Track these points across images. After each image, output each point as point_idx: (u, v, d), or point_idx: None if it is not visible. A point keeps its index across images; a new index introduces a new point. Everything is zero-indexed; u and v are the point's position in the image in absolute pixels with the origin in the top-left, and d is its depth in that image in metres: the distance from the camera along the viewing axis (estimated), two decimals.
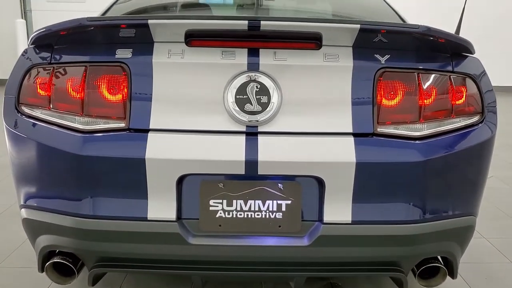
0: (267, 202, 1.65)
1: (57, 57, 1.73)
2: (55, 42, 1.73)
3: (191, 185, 1.64)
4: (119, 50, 1.67)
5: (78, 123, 1.67)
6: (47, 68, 1.73)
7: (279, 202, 1.65)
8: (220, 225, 1.66)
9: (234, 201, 1.65)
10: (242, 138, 1.62)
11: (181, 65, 1.65)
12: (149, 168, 1.60)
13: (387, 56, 1.68)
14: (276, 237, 1.66)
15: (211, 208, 1.65)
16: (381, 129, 1.66)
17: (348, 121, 1.65)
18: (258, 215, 1.65)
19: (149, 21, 1.58)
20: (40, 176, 1.72)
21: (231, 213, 1.65)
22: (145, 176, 1.61)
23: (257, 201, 1.65)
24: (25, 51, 1.80)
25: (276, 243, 1.66)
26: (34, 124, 1.72)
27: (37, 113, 1.73)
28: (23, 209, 1.79)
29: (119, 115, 1.66)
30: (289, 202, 1.65)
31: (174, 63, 1.65)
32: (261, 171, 1.60)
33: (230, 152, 1.59)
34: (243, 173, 1.60)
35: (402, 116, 1.68)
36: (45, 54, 1.74)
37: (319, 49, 1.66)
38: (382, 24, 1.66)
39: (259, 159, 1.59)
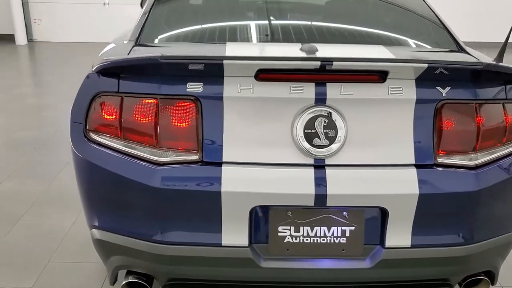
0: (332, 228, 1.76)
1: (126, 86, 1.76)
2: (122, 72, 1.77)
3: (262, 213, 1.73)
4: (190, 83, 1.72)
5: (152, 154, 1.74)
6: (115, 97, 1.77)
7: (343, 228, 1.76)
8: (287, 249, 1.77)
9: (301, 228, 1.75)
10: (311, 171, 1.70)
11: (251, 100, 1.71)
12: (224, 200, 1.69)
13: (448, 88, 1.74)
14: (340, 260, 1.78)
15: (279, 234, 1.75)
16: (440, 160, 1.75)
17: (410, 152, 1.73)
18: (323, 240, 1.76)
19: (224, 62, 1.62)
20: (114, 203, 1.81)
21: (298, 238, 1.76)
22: (220, 207, 1.70)
23: (322, 228, 1.75)
24: (89, 77, 1.84)
25: (340, 265, 1.78)
26: (104, 152, 1.78)
27: (108, 141, 1.78)
28: (94, 230, 1.88)
29: (192, 148, 1.72)
30: (352, 228, 1.76)
31: (244, 97, 1.70)
32: (329, 203, 1.70)
33: (301, 186, 1.68)
34: (312, 205, 1.70)
35: (461, 146, 1.77)
36: (111, 82, 1.78)
37: (384, 82, 1.71)
38: (449, 63, 1.71)
39: (328, 193, 1.68)
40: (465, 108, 1.76)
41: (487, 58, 2.03)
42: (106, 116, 1.79)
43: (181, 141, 1.73)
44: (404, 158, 1.73)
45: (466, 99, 1.76)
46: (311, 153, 1.70)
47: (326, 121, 1.70)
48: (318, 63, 1.61)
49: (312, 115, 1.70)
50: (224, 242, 1.74)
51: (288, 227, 1.75)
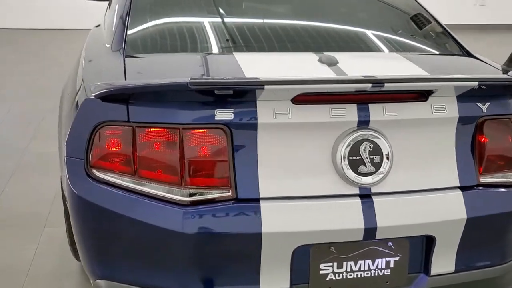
0: (377, 260, 1.62)
1: (138, 114, 1.49)
2: (133, 98, 1.49)
3: (303, 252, 1.55)
4: (218, 110, 1.48)
5: (176, 194, 1.49)
6: (124, 127, 1.49)
7: (387, 259, 1.62)
8: (329, 287, 1.61)
9: (345, 263, 1.59)
10: (358, 202, 1.54)
11: (288, 126, 1.50)
12: (265, 242, 1.48)
13: (487, 104, 1.64)
14: None
15: (321, 272, 1.59)
16: (483, 179, 1.66)
17: (454, 174, 1.62)
18: (367, 274, 1.62)
19: (266, 87, 1.39)
20: (126, 250, 1.55)
21: (341, 275, 1.60)
22: (260, 250, 1.49)
23: (367, 261, 1.61)
24: (87, 103, 1.54)
25: None
26: (112, 192, 1.50)
27: (116, 179, 1.51)
28: (101, 281, 1.61)
29: (223, 183, 1.49)
30: (397, 258, 1.63)
31: (281, 123, 1.50)
32: (378, 236, 1.55)
33: (349, 221, 1.52)
34: (361, 239, 1.55)
35: (501, 164, 1.68)
36: (118, 110, 1.50)
37: (426, 100, 1.58)
38: (498, 79, 1.60)
39: (377, 226, 1.53)
40: (505, 123, 1.67)
41: (500, 65, 1.97)
42: (113, 150, 1.51)
43: (210, 176, 1.49)
44: (449, 180, 1.62)
45: (505, 114, 1.67)
46: (357, 182, 1.53)
47: (371, 145, 1.54)
48: (369, 85, 1.44)
49: (356, 140, 1.53)
50: (263, 285, 1.54)
51: (331, 264, 1.59)
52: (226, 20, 2.17)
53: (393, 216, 1.55)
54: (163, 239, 1.49)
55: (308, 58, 1.85)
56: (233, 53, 1.87)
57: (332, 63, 1.76)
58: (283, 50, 1.98)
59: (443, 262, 1.65)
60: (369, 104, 1.54)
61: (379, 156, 1.54)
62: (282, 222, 1.49)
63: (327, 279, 1.59)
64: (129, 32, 1.97)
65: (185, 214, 1.47)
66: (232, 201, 1.49)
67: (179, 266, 1.52)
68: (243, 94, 1.47)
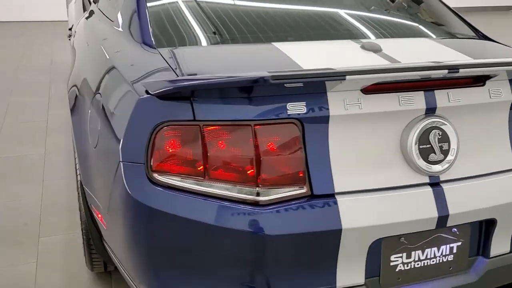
0: (442, 247, 1.61)
1: (205, 112, 1.39)
2: (197, 94, 1.38)
3: (376, 245, 1.51)
4: (290, 104, 1.40)
5: (251, 194, 1.40)
6: (191, 127, 1.38)
7: (451, 245, 1.62)
8: (399, 278, 1.58)
9: (413, 253, 1.58)
10: (429, 191, 1.52)
11: (359, 117, 1.45)
12: (344, 238, 1.43)
13: None
14: (447, 279, 1.65)
15: (391, 264, 1.56)
16: None
17: (510, 156, 1.64)
18: (432, 261, 1.61)
19: (347, 77, 1.33)
20: (198, 258, 1.44)
21: (409, 264, 1.58)
22: (338, 246, 1.44)
23: (433, 249, 1.60)
24: (142, 102, 1.41)
25: (448, 284, 1.65)
26: (181, 198, 1.39)
27: (184, 183, 1.40)
28: None
29: (299, 180, 1.42)
30: (459, 243, 1.63)
31: (352, 114, 1.44)
32: (450, 223, 1.54)
33: (423, 210, 1.50)
34: (434, 228, 1.53)
35: None
36: (182, 109, 1.39)
37: (484, 85, 1.58)
38: None
39: (449, 213, 1.52)
40: None
41: None
42: (178, 152, 1.39)
43: (285, 173, 1.42)
44: (507, 163, 1.63)
45: None
46: (427, 171, 1.51)
47: (440, 133, 1.52)
48: (445, 71, 1.41)
49: (426, 128, 1.50)
50: (339, 284, 1.49)
51: (401, 255, 1.56)
52: (255, 7, 2.07)
53: (463, 203, 1.54)
54: (237, 242, 1.40)
55: (349, 46, 1.80)
56: (272, 43, 1.78)
57: (376, 50, 1.72)
58: (319, 38, 1.92)
59: (500, 243, 1.67)
60: (435, 91, 1.52)
61: (447, 143, 1.53)
62: (360, 216, 1.44)
63: (397, 270, 1.57)
64: (153, 23, 1.84)
65: (262, 215, 1.39)
66: (308, 198, 1.43)
67: (253, 269, 1.44)
68: (314, 86, 1.40)
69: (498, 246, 1.67)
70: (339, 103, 1.43)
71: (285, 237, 1.39)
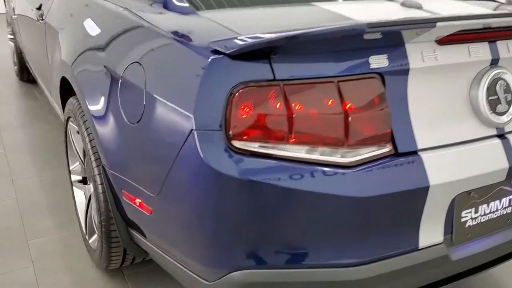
0: (503, 200, 1.61)
1: (285, 70, 1.28)
2: (275, 52, 1.26)
3: (452, 201, 1.48)
4: (372, 57, 1.32)
5: (339, 155, 1.31)
6: (271, 87, 1.27)
7: (510, 197, 1.63)
8: (468, 234, 1.56)
9: (480, 208, 1.56)
10: (499, 142, 1.51)
11: (434, 69, 1.41)
12: (430, 195, 1.38)
13: None
14: (505, 232, 1.65)
15: (462, 220, 1.53)
16: None
17: None
18: (494, 215, 1.61)
19: (438, 24, 1.27)
20: (283, 227, 1.33)
21: (476, 220, 1.57)
22: (424, 204, 1.39)
23: (495, 202, 1.59)
24: (214, 63, 1.27)
25: (507, 237, 1.65)
26: (263, 164, 1.28)
27: (266, 149, 1.28)
28: (239, 272, 1.36)
29: (383, 138, 1.35)
30: None
31: (428, 67, 1.39)
32: None
33: (496, 162, 1.48)
34: (503, 179, 1.52)
35: None
36: (260, 68, 1.27)
37: None
38: None
39: None
40: None
41: None
42: (259, 115, 1.27)
43: (371, 131, 1.34)
44: None
45: None
46: (496, 122, 1.50)
47: (505, 83, 1.51)
48: None
49: (493, 78, 1.49)
50: (421, 244, 1.44)
51: (470, 210, 1.54)
52: None
53: None
54: (326, 207, 1.30)
55: (389, 4, 1.75)
56: (312, 3, 1.69)
57: (418, 7, 1.69)
58: None
59: None
60: (497, 42, 1.51)
61: (510, 94, 1.52)
62: (444, 172, 1.40)
63: (466, 226, 1.55)
64: None
65: (351, 177, 1.30)
66: (392, 157, 1.36)
67: (341, 235, 1.34)
68: (393, 38, 1.34)
69: None
70: (417, 55, 1.37)
71: (375, 198, 1.31)
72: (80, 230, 2.31)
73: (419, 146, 1.39)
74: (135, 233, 1.76)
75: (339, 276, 1.36)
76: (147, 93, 1.46)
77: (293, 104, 1.27)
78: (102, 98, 1.71)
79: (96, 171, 1.81)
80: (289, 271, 1.36)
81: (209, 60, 1.27)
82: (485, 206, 1.57)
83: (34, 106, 4.14)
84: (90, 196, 2.19)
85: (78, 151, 2.19)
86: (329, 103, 1.29)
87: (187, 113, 1.29)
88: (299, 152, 1.29)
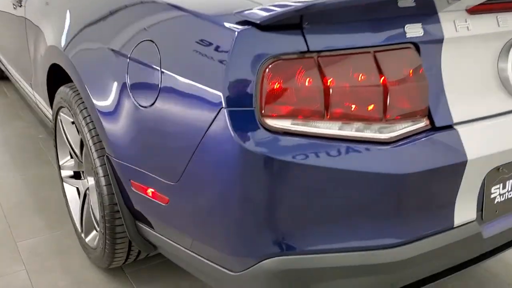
0: None
1: (319, 42, 1.19)
2: (307, 21, 1.18)
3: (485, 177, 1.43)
4: (407, 26, 1.26)
5: (378, 131, 1.24)
6: (305, 59, 1.19)
7: None
8: (496, 211, 1.52)
9: (507, 182, 1.52)
10: None
11: (466, 39, 1.35)
12: (467, 171, 1.33)
13: None
14: None
15: (491, 196, 1.49)
16: None
17: None
18: None
19: None
20: (320, 209, 1.24)
21: (503, 196, 1.52)
22: (460, 179, 1.33)
23: None
24: (243, 35, 1.18)
25: None
26: (299, 142, 1.19)
27: (301, 126, 1.20)
28: (272, 260, 1.28)
29: (420, 112, 1.28)
30: None
31: (461, 37, 1.34)
32: None
33: None
34: None
35: None
36: (293, 40, 1.18)
37: None
38: None
39: None
40: None
41: None
42: (294, 91, 1.19)
43: (409, 105, 1.27)
44: None
45: None
46: None
47: None
48: None
49: None
50: (456, 222, 1.39)
51: (498, 186, 1.50)
52: None
53: None
54: (365, 186, 1.23)
55: None
56: None
57: None
58: None
59: None
60: None
61: None
62: (480, 146, 1.35)
63: (495, 202, 1.51)
64: None
65: (392, 153, 1.23)
66: (429, 131, 1.30)
67: (377, 215, 1.27)
68: (426, 6, 1.27)
69: None
70: (450, 24, 1.31)
71: (414, 175, 1.25)
72: (74, 228, 2.17)
73: (455, 120, 1.33)
74: (144, 226, 1.65)
75: (379, 258, 1.29)
76: (163, 73, 1.36)
77: (328, 77, 1.19)
78: (106, 83, 1.58)
79: (98, 162, 1.68)
80: (325, 256, 1.28)
81: (237, 32, 1.17)
82: (510, 181, 1.53)
83: (5, 103, 3.92)
84: (86, 191, 2.06)
85: (72, 144, 2.04)
86: (366, 75, 1.21)
87: (215, 91, 1.19)
88: (335, 128, 1.21)
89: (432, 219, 1.35)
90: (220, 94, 1.18)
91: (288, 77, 1.18)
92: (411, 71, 1.26)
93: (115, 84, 1.54)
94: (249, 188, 1.21)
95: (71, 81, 1.93)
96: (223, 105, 1.18)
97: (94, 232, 2.05)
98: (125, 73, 1.50)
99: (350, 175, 1.21)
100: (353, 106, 1.21)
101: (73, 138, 2.03)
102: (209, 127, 1.22)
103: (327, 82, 1.19)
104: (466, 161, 1.31)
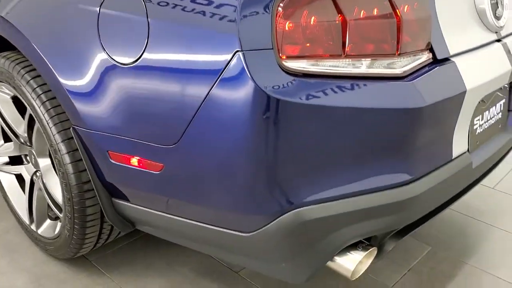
0: (497, 106, 1.65)
1: None
2: None
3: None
4: None
5: (394, 66, 1.20)
6: None
7: (500, 102, 1.68)
8: (477, 142, 1.58)
9: (485, 113, 1.59)
10: (499, 45, 1.53)
11: None
12: (465, 101, 1.35)
13: None
14: (497, 137, 1.70)
15: (474, 127, 1.54)
16: None
17: None
18: (491, 121, 1.64)
19: None
20: (341, 155, 1.19)
21: (482, 126, 1.59)
22: (459, 111, 1.35)
23: (492, 108, 1.62)
24: None
25: (500, 143, 1.70)
26: (320, 84, 1.13)
27: (320, 67, 1.14)
28: (304, 210, 1.21)
29: (425, 45, 1.27)
30: (504, 100, 1.70)
31: None
32: None
33: (503, 65, 1.51)
34: (507, 82, 1.55)
35: None
36: None
37: None
38: None
39: None
40: None
41: None
42: (313, 29, 1.12)
43: (417, 37, 1.25)
44: None
45: None
46: (496, 27, 1.51)
47: None
48: None
49: None
50: (454, 153, 1.42)
51: (479, 117, 1.55)
52: None
53: None
54: (385, 124, 1.19)
55: None
56: None
57: None
58: None
59: None
60: None
61: None
62: (474, 76, 1.37)
63: (476, 133, 1.56)
64: None
65: (408, 87, 1.21)
66: (432, 64, 1.30)
67: (395, 152, 1.25)
68: None
69: None
70: None
71: (429, 108, 1.23)
72: (18, 222, 1.92)
73: (451, 52, 1.34)
74: (124, 203, 1.49)
75: (395, 197, 1.27)
76: (152, 22, 1.20)
77: (346, 13, 1.13)
78: (67, 42, 1.37)
79: (59, 137, 1.48)
80: (343, 202, 1.23)
81: None
82: (487, 113, 1.60)
83: None
84: (32, 177, 1.81)
85: (11, 124, 1.78)
86: (380, 8, 1.17)
87: (227, 33, 1.08)
88: (353, 66, 1.16)
89: (437, 153, 1.36)
90: (235, 35, 1.07)
91: (306, 14, 1.10)
92: (415, 5, 1.23)
93: (81, 42, 1.34)
94: (269, 138, 1.12)
95: (7, 49, 1.67)
96: (239, 47, 1.07)
97: (49, 221, 1.82)
98: (94, 27, 1.31)
99: (371, 113, 1.17)
100: (369, 42, 1.17)
101: (12, 117, 1.76)
102: (220, 74, 1.10)
103: (344, 19, 1.12)
104: (466, 91, 1.33)
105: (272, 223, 1.23)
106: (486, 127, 1.60)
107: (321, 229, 1.25)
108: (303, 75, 1.12)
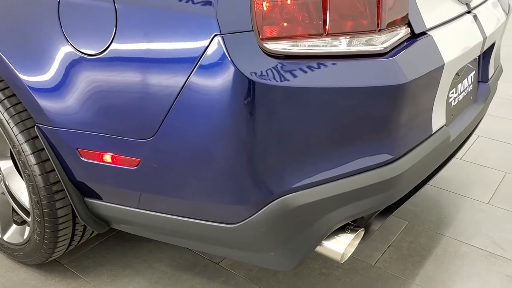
0: (468, 77, 1.66)
1: None
2: None
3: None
4: None
5: (375, 42, 1.17)
6: None
7: (471, 74, 1.69)
8: (452, 115, 1.58)
9: (459, 86, 1.59)
10: (470, 17, 1.52)
11: None
12: (444, 74, 1.34)
13: None
14: (469, 109, 1.71)
15: (449, 100, 1.54)
16: None
17: None
18: (464, 93, 1.65)
19: None
20: (327, 137, 1.16)
21: (456, 99, 1.59)
22: (437, 86, 1.34)
23: (464, 81, 1.63)
24: None
25: (471, 115, 1.71)
26: (303, 65, 1.09)
27: (302, 48, 1.09)
28: (293, 195, 1.17)
29: (404, 19, 1.24)
30: (474, 71, 1.71)
31: None
32: (484, 47, 1.59)
33: (475, 36, 1.50)
34: (479, 53, 1.55)
35: None
36: None
37: None
38: None
39: (487, 35, 1.56)
40: None
41: None
42: (293, 7, 1.06)
43: (396, 12, 1.21)
44: None
45: None
46: None
47: None
48: None
49: None
50: (434, 128, 1.41)
51: (453, 90, 1.55)
52: None
53: (490, 24, 1.60)
54: (369, 103, 1.16)
55: None
56: None
57: None
58: None
59: (491, 66, 1.82)
60: None
61: None
62: (450, 49, 1.36)
63: (452, 106, 1.56)
64: None
65: (391, 63, 1.17)
66: (413, 38, 1.27)
67: (379, 132, 1.22)
68: None
69: (491, 70, 1.82)
70: None
71: (412, 83, 1.21)
72: None
73: (427, 26, 1.32)
74: (98, 202, 1.41)
75: (382, 175, 1.25)
76: (120, 7, 1.12)
77: None
78: (24, 34, 1.27)
79: (22, 137, 1.38)
80: (334, 184, 1.20)
81: None
82: (460, 85, 1.60)
83: None
84: None
85: None
86: None
87: (204, 16, 1.01)
88: (336, 47, 1.12)
89: (419, 128, 1.34)
90: (213, 17, 1.00)
91: None
92: None
93: (41, 33, 1.24)
94: (254, 122, 1.07)
95: None
96: (217, 31, 1.00)
97: (14, 226, 1.72)
98: (55, 16, 1.21)
99: (354, 93, 1.13)
100: (349, 19, 1.13)
101: None
102: (198, 61, 1.04)
103: None
104: (444, 65, 1.31)
105: (258, 213, 1.19)
106: (459, 99, 1.60)
107: (310, 215, 1.22)
108: (285, 57, 1.07)
